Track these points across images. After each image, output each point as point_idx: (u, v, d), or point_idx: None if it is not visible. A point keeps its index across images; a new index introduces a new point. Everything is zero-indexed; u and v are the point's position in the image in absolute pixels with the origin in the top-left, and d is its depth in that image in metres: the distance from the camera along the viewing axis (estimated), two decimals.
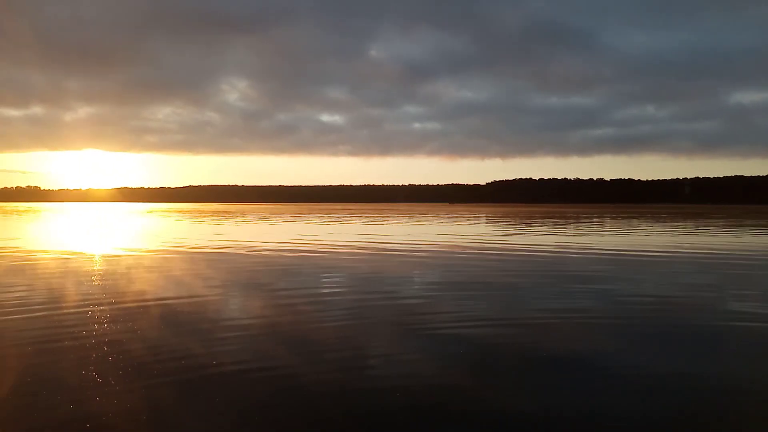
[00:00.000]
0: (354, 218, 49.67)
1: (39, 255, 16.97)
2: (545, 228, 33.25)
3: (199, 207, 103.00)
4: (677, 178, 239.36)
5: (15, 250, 18.53)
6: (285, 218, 49.74)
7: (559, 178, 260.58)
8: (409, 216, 56.46)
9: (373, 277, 12.33)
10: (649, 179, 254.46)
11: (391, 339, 6.84)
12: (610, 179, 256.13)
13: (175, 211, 76.24)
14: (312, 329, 7.34)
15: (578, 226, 35.07)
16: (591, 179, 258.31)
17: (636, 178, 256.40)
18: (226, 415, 4.48)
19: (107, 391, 4.91)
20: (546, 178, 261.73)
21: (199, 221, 44.07)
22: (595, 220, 46.31)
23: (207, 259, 15.97)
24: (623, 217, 52.15)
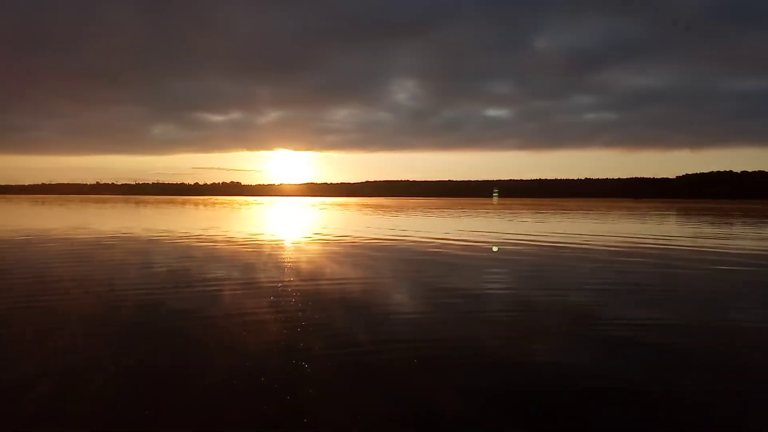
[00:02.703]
0: (523, 213, 48.37)
1: (241, 240, 19.46)
2: (748, 228, 29.36)
3: (374, 201, 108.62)
4: None
5: (221, 235, 21.45)
6: (454, 212, 50.09)
7: (767, 170, 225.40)
8: (584, 212, 53.41)
9: (540, 273, 12.13)
10: None
11: (556, 336, 6.69)
12: None
13: (354, 205, 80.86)
14: (475, 321, 7.43)
15: None
16: None
17: None
18: (383, 394, 4.75)
19: (280, 361, 5.61)
20: (750, 170, 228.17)
21: (376, 214, 46.33)
22: None
23: (381, 248, 16.90)
24: None
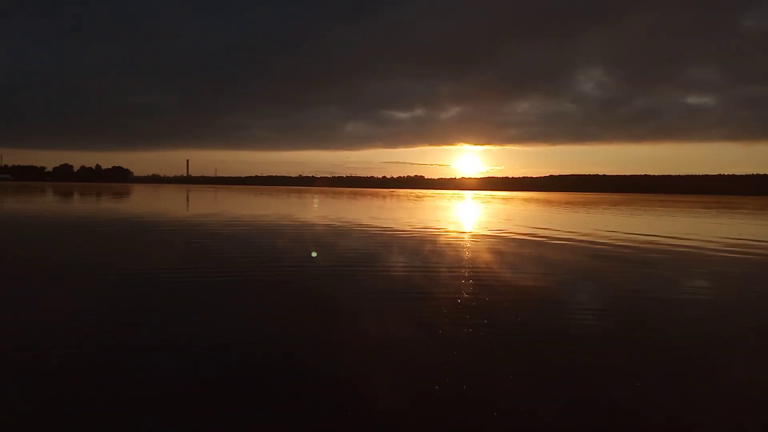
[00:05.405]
0: (734, 213, 43.13)
1: (429, 231, 20.76)
2: None
3: (560, 196, 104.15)
4: None
5: (414, 227, 23.10)
6: (651, 209, 46.48)
7: None
8: None
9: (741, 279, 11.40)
10: None
11: (748, 346, 6.44)
12: None
13: (538, 200, 78.01)
14: (657, 325, 7.30)
15: None
16: None
17: None
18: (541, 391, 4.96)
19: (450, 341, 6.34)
20: None
21: (564, 210, 44.67)
22: None
23: (567, 247, 16.84)
24: None
